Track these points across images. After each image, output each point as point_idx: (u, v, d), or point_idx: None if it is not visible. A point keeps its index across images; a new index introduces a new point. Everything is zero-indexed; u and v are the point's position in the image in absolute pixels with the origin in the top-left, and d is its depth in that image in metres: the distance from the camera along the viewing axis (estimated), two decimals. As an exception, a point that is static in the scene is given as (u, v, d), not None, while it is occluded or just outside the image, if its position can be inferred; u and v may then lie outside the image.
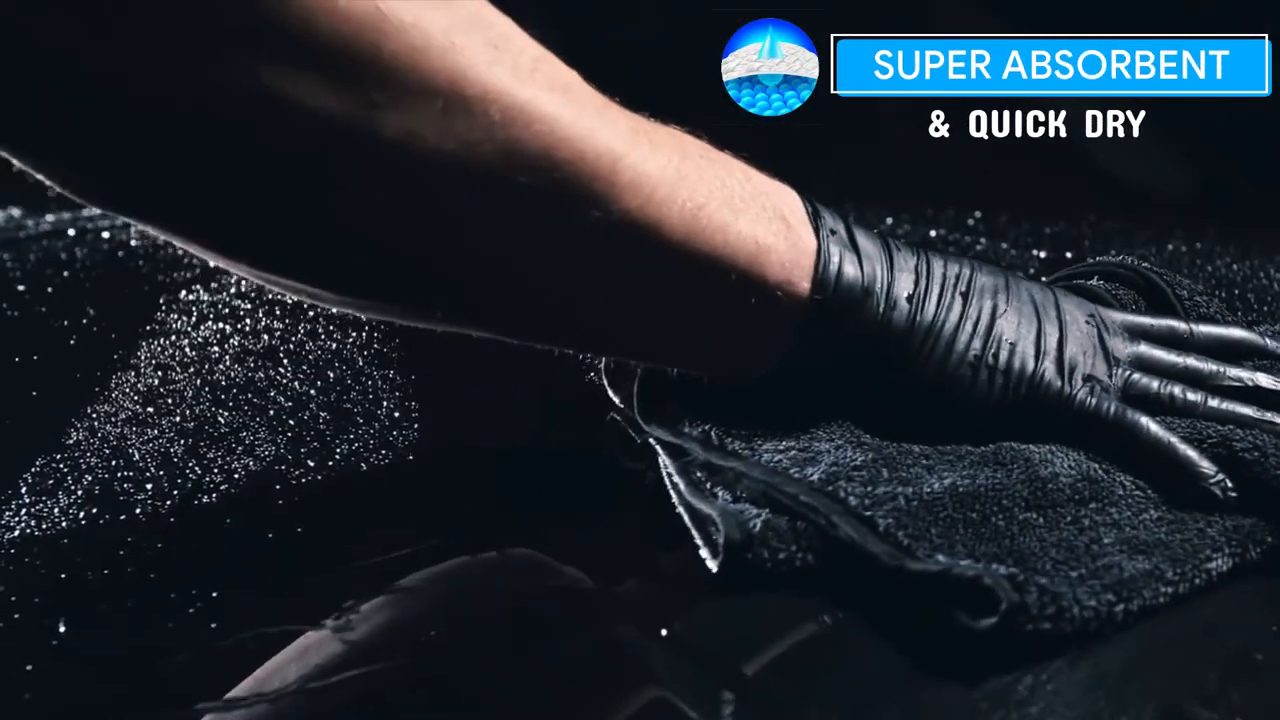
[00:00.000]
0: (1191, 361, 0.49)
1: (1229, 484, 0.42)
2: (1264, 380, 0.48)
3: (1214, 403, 0.47)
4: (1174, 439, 0.44)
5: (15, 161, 0.37)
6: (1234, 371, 0.49)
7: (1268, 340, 0.52)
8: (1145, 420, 0.45)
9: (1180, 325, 0.51)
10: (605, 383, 0.55)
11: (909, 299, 0.45)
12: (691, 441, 0.47)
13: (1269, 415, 0.46)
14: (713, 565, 0.40)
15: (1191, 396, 0.47)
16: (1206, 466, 0.43)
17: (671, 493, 0.45)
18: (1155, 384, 0.47)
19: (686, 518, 0.43)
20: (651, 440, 0.48)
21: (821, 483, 0.42)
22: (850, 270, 0.45)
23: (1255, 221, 0.92)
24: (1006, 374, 0.46)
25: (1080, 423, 0.45)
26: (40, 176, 0.37)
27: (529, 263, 0.40)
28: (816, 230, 0.45)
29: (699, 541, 0.42)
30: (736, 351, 0.46)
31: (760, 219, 0.44)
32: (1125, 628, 0.36)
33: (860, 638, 0.36)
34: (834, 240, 0.45)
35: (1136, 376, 0.48)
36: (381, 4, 0.34)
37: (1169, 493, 0.43)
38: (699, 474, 0.45)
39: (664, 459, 0.47)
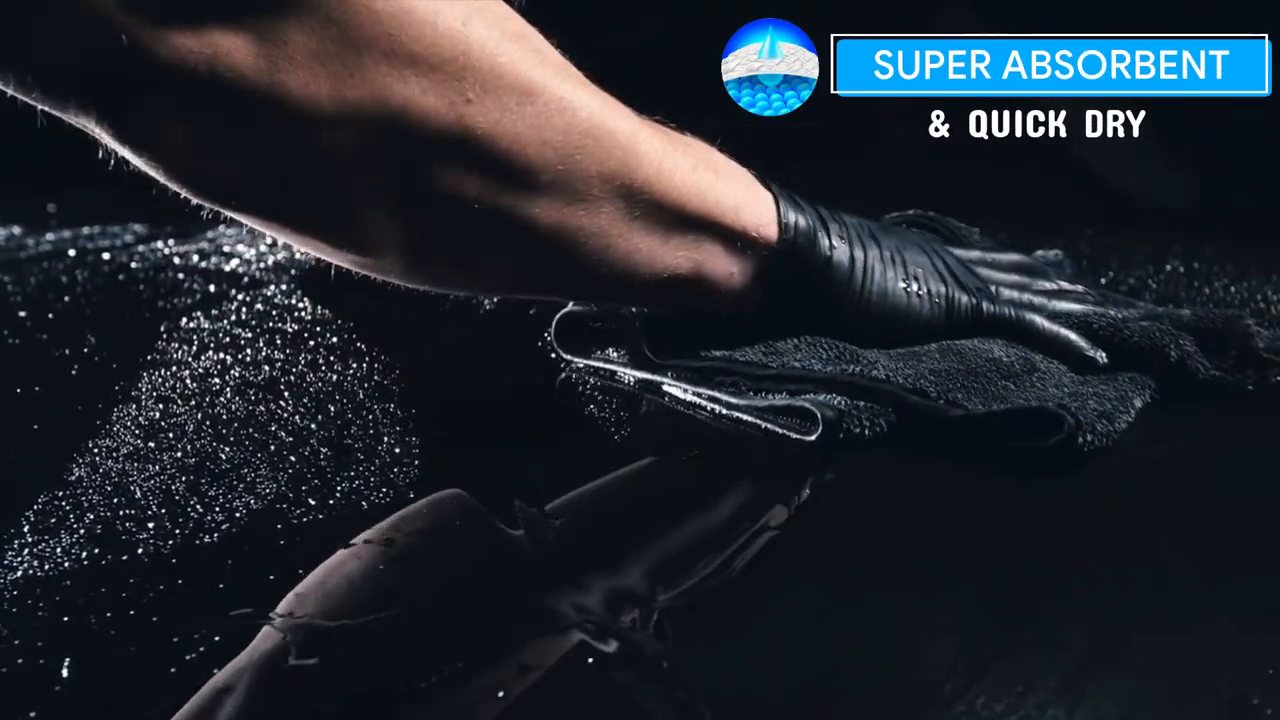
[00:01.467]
0: (1017, 277, 0.63)
1: (1104, 354, 0.57)
2: (1064, 284, 0.64)
3: (1054, 303, 0.61)
4: (1060, 328, 0.59)
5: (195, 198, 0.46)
6: (1041, 282, 0.64)
7: (1036, 258, 0.68)
8: (1037, 318, 0.59)
9: (987, 255, 0.64)
10: (556, 346, 0.65)
11: (841, 239, 0.56)
12: (718, 364, 0.57)
13: (1089, 306, 0.61)
14: (809, 439, 0.51)
15: (1039, 300, 0.61)
16: (1086, 344, 0.58)
17: (710, 405, 0.56)
18: (1015, 294, 0.61)
19: (748, 417, 0.54)
20: (669, 376, 0.58)
21: (864, 370, 0.53)
22: (801, 219, 0.55)
23: (1253, 233, 0.92)
24: (930, 294, 0.58)
25: (991, 325, 0.59)
26: (190, 195, 0.46)
27: (586, 230, 0.49)
28: (768, 188, 0.56)
29: (778, 429, 0.52)
30: (727, 289, 0.55)
31: (730, 180, 0.54)
32: (1117, 442, 0.50)
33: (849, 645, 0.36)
34: (783, 196, 0.56)
35: (1000, 290, 0.61)
36: (464, 25, 0.44)
37: (1068, 364, 0.57)
38: (737, 385, 0.55)
39: (679, 387, 0.58)
